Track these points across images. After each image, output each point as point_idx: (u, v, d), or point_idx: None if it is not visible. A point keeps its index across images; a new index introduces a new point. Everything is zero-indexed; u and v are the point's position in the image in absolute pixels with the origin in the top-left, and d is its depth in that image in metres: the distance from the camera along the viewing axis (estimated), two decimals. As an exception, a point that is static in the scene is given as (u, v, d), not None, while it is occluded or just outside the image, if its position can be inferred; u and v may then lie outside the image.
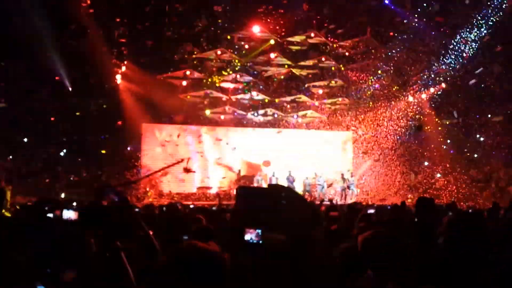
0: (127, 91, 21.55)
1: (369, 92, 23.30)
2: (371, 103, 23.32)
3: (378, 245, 2.75)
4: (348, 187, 21.13)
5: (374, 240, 2.81)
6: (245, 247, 2.37)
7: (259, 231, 2.33)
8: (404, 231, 5.15)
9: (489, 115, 23.37)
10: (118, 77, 21.30)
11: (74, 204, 14.36)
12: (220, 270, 1.71)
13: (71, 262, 2.55)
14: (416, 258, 3.57)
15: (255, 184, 20.38)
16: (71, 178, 21.95)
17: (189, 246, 1.79)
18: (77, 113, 21.51)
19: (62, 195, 19.66)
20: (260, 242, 2.32)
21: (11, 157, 21.56)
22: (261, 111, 23.96)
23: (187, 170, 20.38)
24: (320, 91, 23.68)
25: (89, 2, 19.24)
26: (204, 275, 1.68)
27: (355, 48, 22.25)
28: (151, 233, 2.77)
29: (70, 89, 20.83)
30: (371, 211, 7.48)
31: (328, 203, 14.66)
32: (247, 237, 2.29)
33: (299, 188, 20.85)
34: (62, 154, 22.79)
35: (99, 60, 19.35)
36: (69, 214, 1.80)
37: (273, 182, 19.82)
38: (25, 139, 22.26)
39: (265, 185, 20.71)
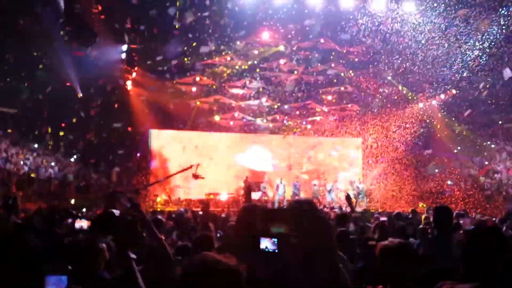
0: (138, 96, 21.70)
1: (378, 99, 23.22)
2: (380, 109, 23.22)
3: (396, 256, 2.77)
4: (358, 194, 20.99)
5: (392, 250, 2.83)
6: (260, 255, 2.38)
7: (275, 239, 2.33)
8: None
9: (500, 122, 23.21)
10: (129, 83, 21.45)
11: (84, 210, 14.45)
12: (237, 284, 1.70)
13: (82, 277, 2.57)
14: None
15: (261, 191, 20.35)
16: (81, 184, 22.06)
17: (205, 258, 1.76)
18: (86, 119, 21.61)
19: (72, 201, 19.75)
20: (276, 250, 2.31)
21: (22, 162, 21.74)
22: (269, 117, 23.99)
23: (196, 177, 20.42)
24: (330, 97, 23.64)
25: (100, 8, 19.39)
26: None
27: (364, 54, 22.20)
28: (163, 239, 2.78)
29: (81, 94, 20.99)
30: (383, 218, 7.49)
31: (337, 210, 14.64)
32: (263, 245, 2.28)
33: (307, 195, 20.78)
34: (72, 160, 22.96)
35: (109, 65, 19.51)
36: (81, 224, 1.80)
37: (280, 189, 19.71)
38: (36, 145, 22.47)
39: (270, 192, 20.71)
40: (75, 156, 23.17)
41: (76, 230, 3.12)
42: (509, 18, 18.44)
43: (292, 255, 2.34)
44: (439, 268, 3.48)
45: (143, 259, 3.10)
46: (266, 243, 2.35)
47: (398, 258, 2.78)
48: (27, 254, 1.94)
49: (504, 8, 18.16)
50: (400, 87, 22.63)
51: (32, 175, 20.64)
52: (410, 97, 23.07)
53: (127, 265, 2.01)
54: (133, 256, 2.08)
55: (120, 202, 2.89)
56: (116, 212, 2.03)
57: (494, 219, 9.95)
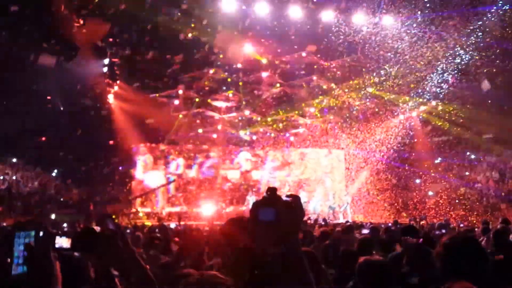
0: (120, 110, 21.57)
1: (356, 111, 23.48)
2: (362, 121, 23.47)
3: (372, 272, 2.83)
4: (339, 207, 21.15)
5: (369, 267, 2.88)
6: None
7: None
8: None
9: (483, 136, 23.58)
10: (111, 97, 21.32)
11: (65, 225, 14.24)
12: None
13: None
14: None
15: (246, 203, 20.33)
16: (61, 199, 21.75)
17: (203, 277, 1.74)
18: (69, 133, 21.36)
19: (53, 216, 19.43)
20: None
21: (1, 177, 21.37)
22: (253, 130, 24.06)
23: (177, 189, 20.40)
24: (312, 110, 23.80)
25: (81, 22, 19.28)
26: None
27: (345, 67, 22.44)
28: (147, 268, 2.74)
29: (62, 108, 20.77)
30: (365, 231, 7.53)
31: (322, 222, 14.67)
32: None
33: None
34: (53, 174, 22.66)
35: (91, 79, 19.39)
36: (61, 242, 1.77)
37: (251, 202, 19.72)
38: (14, 159, 22.13)
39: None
40: (55, 171, 22.87)
41: (56, 248, 3.05)
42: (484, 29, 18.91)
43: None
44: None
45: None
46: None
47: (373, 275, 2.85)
48: None
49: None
50: (384, 96, 22.78)
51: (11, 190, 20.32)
52: (391, 109, 23.31)
53: (111, 284, 1.99)
54: (116, 273, 2.06)
55: (107, 224, 2.87)
56: (97, 228, 2.01)
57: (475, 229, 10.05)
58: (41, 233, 1.92)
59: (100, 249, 1.89)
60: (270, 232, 1.38)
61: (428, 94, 22.19)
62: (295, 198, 1.53)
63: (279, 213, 1.40)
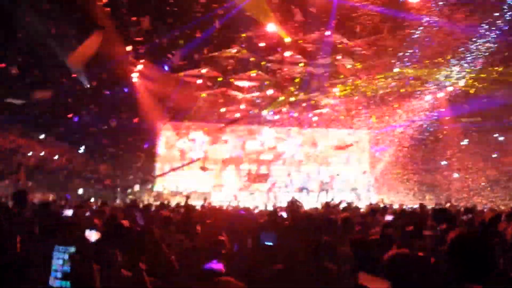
0: (143, 89, 21.70)
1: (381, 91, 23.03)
2: (387, 101, 23.06)
3: (403, 267, 2.72)
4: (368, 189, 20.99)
5: (399, 262, 2.79)
6: (262, 248, 2.41)
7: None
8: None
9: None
10: (135, 75, 21.44)
11: (92, 200, 14.56)
12: None
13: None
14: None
15: (269, 182, 20.41)
16: (90, 175, 22.22)
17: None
18: (95, 110, 21.66)
19: (80, 191, 19.93)
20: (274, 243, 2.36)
21: (30, 153, 21.90)
22: (276, 110, 23.94)
23: (203, 169, 20.56)
24: (336, 90, 23.48)
25: (105, 0, 19.30)
26: None
27: (371, 46, 21.94)
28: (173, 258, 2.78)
29: (88, 86, 21.02)
30: (389, 218, 7.39)
31: (346, 205, 14.60)
32: (263, 239, 2.32)
33: (315, 189, 20.77)
34: (80, 151, 23.09)
35: (116, 58, 19.49)
36: (90, 235, 1.82)
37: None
38: (43, 135, 22.59)
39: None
40: (83, 147, 23.29)
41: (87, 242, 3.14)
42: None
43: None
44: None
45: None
46: (266, 237, 2.38)
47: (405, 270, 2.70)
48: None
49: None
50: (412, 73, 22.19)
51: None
52: (417, 89, 22.75)
53: (140, 277, 2.03)
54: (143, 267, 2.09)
55: (135, 216, 2.92)
56: (125, 222, 2.06)
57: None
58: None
59: (128, 244, 1.93)
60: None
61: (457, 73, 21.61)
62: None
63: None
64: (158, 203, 14.61)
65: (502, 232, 6.36)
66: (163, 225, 6.23)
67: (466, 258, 2.54)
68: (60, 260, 1.88)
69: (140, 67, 21.06)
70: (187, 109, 22.61)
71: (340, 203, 15.86)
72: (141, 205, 11.18)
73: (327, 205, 11.99)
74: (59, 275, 1.88)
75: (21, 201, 5.06)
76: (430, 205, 16.15)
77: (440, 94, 22.87)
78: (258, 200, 19.26)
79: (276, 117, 24.10)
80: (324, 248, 2.80)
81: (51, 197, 16.97)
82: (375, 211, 10.44)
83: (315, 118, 24.48)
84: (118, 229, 1.91)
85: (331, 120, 24.20)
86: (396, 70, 22.11)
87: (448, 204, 16.45)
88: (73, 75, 20.39)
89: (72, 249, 1.95)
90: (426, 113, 23.11)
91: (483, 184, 21.79)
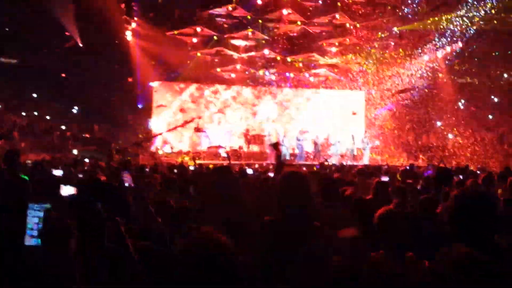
0: (138, 48, 21.36)
1: (379, 53, 22.78)
2: (384, 61, 22.84)
3: (393, 224, 2.75)
4: (360, 149, 21.03)
5: (390, 218, 2.81)
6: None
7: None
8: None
9: (505, 75, 22.87)
10: (129, 34, 21.05)
11: (87, 160, 14.55)
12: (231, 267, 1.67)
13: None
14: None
15: (266, 142, 20.40)
16: (84, 135, 22.17)
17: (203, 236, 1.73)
18: (88, 70, 21.36)
19: (75, 152, 19.90)
20: None
21: (24, 113, 21.76)
22: (272, 70, 23.68)
23: (197, 130, 20.52)
24: (334, 49, 23.18)
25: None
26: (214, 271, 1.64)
27: (369, 4, 21.53)
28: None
29: (81, 45, 20.68)
30: (385, 179, 7.42)
31: (336, 163, 14.69)
32: None
33: (309, 147, 20.81)
34: (74, 111, 22.95)
35: (109, 16, 19.07)
36: (68, 190, 1.78)
37: (284, 141, 19.74)
38: (35, 95, 22.36)
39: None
40: (76, 108, 23.14)
41: (63, 197, 3.10)
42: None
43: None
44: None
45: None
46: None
47: (394, 226, 2.74)
48: None
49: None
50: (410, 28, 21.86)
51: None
52: (414, 49, 22.49)
53: (117, 231, 2.01)
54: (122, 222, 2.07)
55: (123, 177, 2.89)
56: (103, 177, 2.02)
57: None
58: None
59: (105, 198, 1.90)
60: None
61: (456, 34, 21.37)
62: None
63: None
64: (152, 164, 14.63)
65: (494, 193, 6.41)
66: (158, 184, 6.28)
67: (470, 215, 2.48)
68: (35, 218, 1.86)
69: (134, 25, 20.68)
70: (182, 68, 22.34)
71: (334, 163, 15.98)
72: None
73: (321, 165, 12.06)
74: (34, 233, 1.86)
75: (12, 161, 5.03)
76: (423, 166, 16.28)
77: (437, 54, 22.68)
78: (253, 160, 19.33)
79: (273, 77, 23.87)
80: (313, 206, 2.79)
81: (45, 158, 16.93)
82: (369, 171, 10.51)
83: (312, 78, 24.27)
84: (95, 184, 1.87)
85: (328, 80, 24.04)
86: (394, 29, 21.86)
87: (441, 165, 16.55)
88: (66, 34, 20.05)
89: (47, 206, 1.92)
90: (422, 74, 22.99)
91: (475, 145, 21.92)
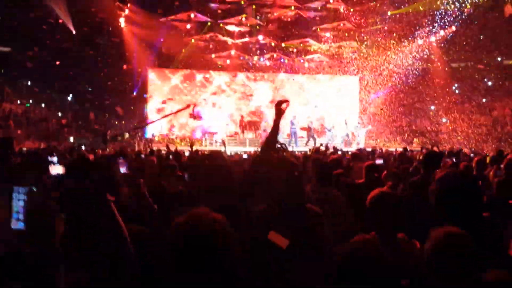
0: (131, 34, 21.24)
1: (373, 35, 22.73)
2: (378, 46, 22.80)
3: (385, 206, 2.78)
4: (354, 134, 21.10)
5: (382, 199, 2.85)
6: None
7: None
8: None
9: (499, 58, 22.91)
10: (122, 20, 20.92)
11: (83, 147, 14.61)
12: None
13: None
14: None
15: (262, 129, 20.42)
16: (79, 123, 22.14)
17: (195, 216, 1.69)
18: (82, 57, 21.23)
19: (71, 139, 19.92)
20: None
21: (19, 102, 21.66)
22: (267, 56, 23.63)
23: (193, 116, 20.52)
24: (328, 34, 23.11)
25: None
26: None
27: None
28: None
29: (74, 32, 20.53)
30: (380, 161, 7.44)
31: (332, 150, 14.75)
32: None
33: (303, 133, 20.86)
34: (69, 98, 22.87)
35: (102, 3, 18.93)
36: (56, 169, 1.77)
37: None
38: (29, 82, 22.25)
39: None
40: (71, 96, 23.06)
41: (51, 176, 3.08)
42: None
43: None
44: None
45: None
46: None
47: (386, 208, 2.78)
48: None
49: None
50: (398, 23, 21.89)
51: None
52: (409, 34, 22.46)
53: (107, 209, 1.95)
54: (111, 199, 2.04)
55: (117, 164, 2.93)
56: (91, 157, 2.02)
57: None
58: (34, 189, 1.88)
59: (93, 176, 1.89)
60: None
61: (449, 18, 21.34)
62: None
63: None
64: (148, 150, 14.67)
65: (487, 176, 6.51)
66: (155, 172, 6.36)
67: (453, 196, 2.56)
68: (21, 201, 1.82)
69: (127, 11, 20.54)
70: (176, 55, 22.25)
71: (328, 148, 16.04)
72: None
73: (316, 150, 12.11)
74: (20, 216, 1.82)
75: (6, 148, 5.07)
76: (416, 150, 16.39)
77: (431, 39, 22.69)
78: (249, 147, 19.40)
79: (267, 63, 23.82)
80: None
81: (41, 145, 16.95)
82: (363, 155, 10.59)
83: (306, 64, 24.23)
84: (83, 163, 1.85)
85: (322, 65, 24.00)
86: (388, 13, 21.80)
87: (434, 148, 16.66)
88: (59, 21, 19.89)
89: (31, 188, 1.90)
90: (417, 58, 23.01)
91: (469, 129, 22.04)
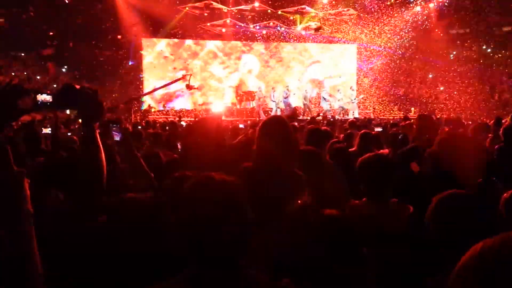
0: (125, 3, 20.81)
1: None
2: (377, 13, 22.46)
3: (373, 169, 2.76)
4: (353, 103, 20.98)
5: (370, 164, 2.82)
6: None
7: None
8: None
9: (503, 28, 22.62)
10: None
11: (80, 121, 14.53)
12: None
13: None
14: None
15: (255, 100, 20.29)
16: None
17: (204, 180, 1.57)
18: (74, 27, 20.86)
19: (67, 112, 19.75)
20: None
21: (13, 74, 21.40)
22: (263, 23, 23.25)
23: (189, 87, 20.29)
24: (325, 1, 22.68)
25: None
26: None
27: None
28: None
29: (67, 1, 20.13)
30: (379, 129, 7.36)
31: (331, 119, 14.71)
32: None
33: (297, 103, 20.73)
34: (63, 70, 22.59)
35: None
36: (44, 98, 1.67)
37: (274, 96, 19.66)
38: (22, 54, 21.94)
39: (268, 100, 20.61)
40: (65, 67, 22.76)
41: (40, 104, 3.01)
42: None
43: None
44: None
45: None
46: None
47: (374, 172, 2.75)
48: None
49: None
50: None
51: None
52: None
53: (92, 135, 1.96)
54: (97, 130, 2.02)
55: (111, 132, 2.88)
56: (77, 86, 1.94)
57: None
58: None
59: (81, 103, 1.87)
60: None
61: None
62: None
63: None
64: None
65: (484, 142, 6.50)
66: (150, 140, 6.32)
67: (452, 158, 2.56)
68: None
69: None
70: (170, 23, 21.88)
71: (325, 116, 16.02)
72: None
73: (312, 120, 12.07)
74: None
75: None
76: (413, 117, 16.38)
77: (430, 5, 22.36)
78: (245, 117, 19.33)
79: (263, 31, 23.46)
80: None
81: (36, 117, 16.82)
82: (360, 124, 10.57)
83: (302, 32, 23.88)
84: (70, 90, 1.77)
85: (319, 33, 23.65)
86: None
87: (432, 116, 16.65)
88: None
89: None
90: (414, 25, 22.75)
91: (467, 97, 21.97)
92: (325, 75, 23.11)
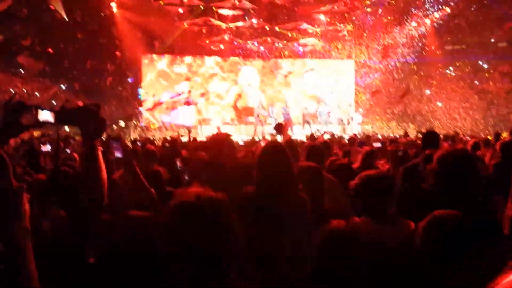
0: (124, 19, 20.97)
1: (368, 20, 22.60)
2: (374, 29, 22.67)
3: (374, 188, 2.77)
4: (351, 119, 21.03)
5: (372, 181, 2.83)
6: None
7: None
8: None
9: (492, 40, 22.82)
10: (114, 5, 20.66)
11: (77, 139, 14.50)
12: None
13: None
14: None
15: (255, 115, 20.33)
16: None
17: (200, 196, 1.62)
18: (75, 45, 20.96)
19: (66, 129, 19.75)
20: None
21: (11, 89, 21.44)
22: (261, 40, 23.39)
23: (188, 103, 20.43)
24: (322, 17, 22.88)
25: None
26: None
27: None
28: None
29: (67, 19, 20.26)
30: (378, 145, 7.41)
31: (329, 136, 14.75)
32: None
33: (297, 119, 20.76)
34: (63, 87, 22.63)
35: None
36: (46, 116, 1.64)
37: (273, 113, 19.71)
38: (21, 70, 22.02)
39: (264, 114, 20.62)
40: (65, 84, 22.80)
41: (41, 122, 2.98)
42: None
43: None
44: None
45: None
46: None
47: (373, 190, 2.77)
48: None
49: None
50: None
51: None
52: (403, 16, 22.33)
53: (95, 155, 1.94)
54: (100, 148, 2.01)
55: (112, 148, 2.88)
56: (80, 103, 1.93)
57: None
58: None
59: (82, 119, 1.86)
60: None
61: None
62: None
63: None
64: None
65: (481, 157, 6.53)
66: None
67: (452, 175, 2.57)
68: None
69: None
70: (169, 40, 22.02)
71: (324, 134, 16.04)
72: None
73: (311, 136, 12.11)
74: None
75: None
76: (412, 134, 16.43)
77: (426, 21, 22.60)
78: (244, 133, 19.35)
79: (261, 48, 23.58)
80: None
81: (35, 134, 16.81)
82: (359, 140, 10.62)
83: (301, 48, 24.02)
84: (72, 108, 1.76)
85: (317, 50, 23.80)
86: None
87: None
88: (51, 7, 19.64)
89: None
90: (411, 41, 22.96)
91: (464, 112, 22.07)
92: (323, 90, 23.12)
